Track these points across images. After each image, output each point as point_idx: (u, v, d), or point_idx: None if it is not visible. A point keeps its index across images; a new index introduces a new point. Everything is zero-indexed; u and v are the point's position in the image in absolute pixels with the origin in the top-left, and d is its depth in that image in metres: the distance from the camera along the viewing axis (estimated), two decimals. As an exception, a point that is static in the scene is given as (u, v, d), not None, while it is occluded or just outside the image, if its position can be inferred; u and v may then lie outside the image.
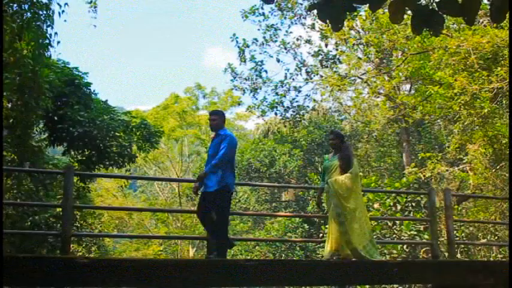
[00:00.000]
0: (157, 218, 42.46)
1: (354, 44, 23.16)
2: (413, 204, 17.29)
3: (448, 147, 20.42)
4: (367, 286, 16.57)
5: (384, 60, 23.93)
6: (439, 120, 23.87)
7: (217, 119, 8.92)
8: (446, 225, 10.89)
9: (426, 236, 15.80)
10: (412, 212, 16.95)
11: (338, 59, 23.77)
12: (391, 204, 17.01)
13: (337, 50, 23.49)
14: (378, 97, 24.47)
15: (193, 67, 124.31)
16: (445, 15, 4.53)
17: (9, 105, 12.53)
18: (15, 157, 13.39)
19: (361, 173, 9.32)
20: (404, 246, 16.57)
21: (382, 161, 28.07)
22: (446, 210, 10.93)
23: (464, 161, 19.65)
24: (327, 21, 4.54)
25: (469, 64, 17.09)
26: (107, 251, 28.82)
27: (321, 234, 19.87)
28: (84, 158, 17.15)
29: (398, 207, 17.03)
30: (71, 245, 11.24)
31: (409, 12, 4.59)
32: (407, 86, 25.47)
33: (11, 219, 13.12)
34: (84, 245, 19.98)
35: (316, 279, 9.62)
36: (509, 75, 14.85)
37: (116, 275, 7.58)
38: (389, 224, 16.99)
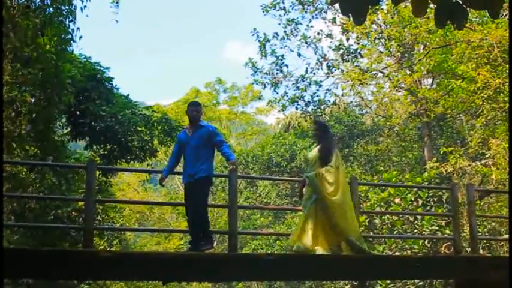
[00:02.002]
0: (178, 212, 42.60)
1: (375, 38, 23.04)
2: (435, 199, 17.15)
3: (471, 141, 20.24)
4: (388, 281, 16.57)
5: (406, 54, 23.75)
6: (461, 115, 23.64)
7: (200, 110, 9.12)
8: (469, 220, 10.80)
9: (448, 231, 15.68)
10: (433, 207, 16.83)
11: (359, 53, 23.66)
12: (412, 199, 16.91)
13: (358, 44, 23.37)
14: (399, 91, 24.30)
15: (213, 62, 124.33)
16: (468, 9, 4.48)
17: (32, 100, 12.62)
18: (38, 151, 13.49)
19: (343, 165, 8.98)
20: (426, 242, 16.46)
21: (403, 155, 27.86)
22: (469, 205, 10.83)
23: (486, 156, 19.46)
24: (349, 14, 4.52)
25: (493, 58, 16.93)
26: (128, 244, 29.05)
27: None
28: (105, 153, 17.25)
29: (420, 202, 16.92)
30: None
31: (432, 5, 4.54)
32: (429, 80, 25.26)
33: (33, 213, 13.25)
34: (105, 239, 20.12)
35: (336, 274, 9.61)
36: (509, 75, 14.71)
37: (137, 268, 7.63)
38: (411, 219, 16.89)
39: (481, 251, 16.16)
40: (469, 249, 12.99)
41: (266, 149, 31.28)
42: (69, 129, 17.12)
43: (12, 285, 12.31)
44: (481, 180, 21.68)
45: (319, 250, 8.40)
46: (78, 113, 16.58)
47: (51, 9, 12.90)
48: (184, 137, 8.88)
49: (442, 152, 21.51)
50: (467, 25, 16.56)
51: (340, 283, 19.79)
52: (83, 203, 12.84)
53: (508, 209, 18.12)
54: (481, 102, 17.57)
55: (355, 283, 18.28)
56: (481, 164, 19.48)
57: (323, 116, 26.56)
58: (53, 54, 12.71)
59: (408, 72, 22.71)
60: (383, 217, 17.03)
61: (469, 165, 19.64)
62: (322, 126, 9.14)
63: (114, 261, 7.52)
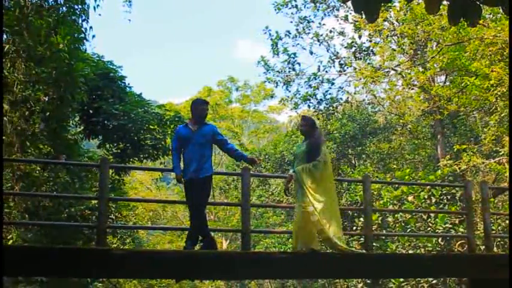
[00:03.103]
0: (190, 211, 42.66)
1: (387, 36, 22.94)
2: (448, 197, 17.09)
3: (484, 139, 20.12)
4: (401, 279, 16.52)
5: (418, 52, 23.64)
6: (474, 112, 23.52)
7: (208, 108, 9.11)
8: (483, 218, 10.75)
9: (461, 230, 15.61)
10: (447, 205, 16.77)
11: (372, 50, 23.56)
12: (426, 197, 16.85)
13: (370, 41, 23.28)
14: (412, 89, 24.20)
15: (225, 60, 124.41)
16: (482, 5, 4.45)
17: (46, 99, 12.69)
18: (51, 150, 13.57)
19: (331, 161, 8.88)
20: (439, 240, 16.40)
21: (416, 153, 27.73)
22: (482, 203, 10.79)
23: (500, 153, 19.34)
24: (362, 12, 4.49)
25: (506, 55, 16.83)
26: (140, 243, 29.13)
27: (354, 227, 19.78)
28: (118, 151, 17.31)
29: (433, 200, 16.86)
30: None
31: (445, 2, 4.52)
32: (442, 78, 25.13)
33: (47, 211, 13.32)
34: (118, 237, 20.19)
35: (349, 273, 9.58)
36: (509, 75, 14.61)
37: (151, 266, 7.65)
38: (424, 217, 16.83)
39: (495, 249, 16.08)
40: (483, 247, 12.92)
41: (278, 147, 31.23)
42: (82, 127, 17.21)
43: (26, 283, 12.40)
44: (495, 178, 21.57)
45: (315, 246, 8.33)
46: (91, 111, 16.66)
47: (64, 8, 13.00)
48: (187, 133, 8.73)
49: (455, 150, 21.42)
50: (480, 22, 16.47)
51: (353, 281, 19.75)
52: (95, 201, 12.91)
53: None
54: (494, 100, 17.47)
55: (368, 281, 18.24)
56: (494, 162, 19.37)
57: (335, 114, 26.51)
58: (66, 53, 12.79)
59: (421, 69, 22.62)
60: (396, 215, 16.98)
61: (483, 162, 19.53)
62: (310, 122, 9.01)
63: (128, 260, 7.55)
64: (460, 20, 4.53)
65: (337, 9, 24.21)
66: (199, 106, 8.89)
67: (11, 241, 11.73)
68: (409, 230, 16.51)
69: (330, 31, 24.34)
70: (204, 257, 8.09)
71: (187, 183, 8.59)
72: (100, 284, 20.65)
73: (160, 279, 26.26)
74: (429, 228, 16.51)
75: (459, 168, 19.54)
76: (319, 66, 24.52)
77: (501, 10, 4.67)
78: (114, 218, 17.44)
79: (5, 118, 11.91)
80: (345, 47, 24.01)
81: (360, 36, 23.30)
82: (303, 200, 8.35)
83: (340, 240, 8.42)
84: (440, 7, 4.60)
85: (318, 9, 24.18)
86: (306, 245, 8.27)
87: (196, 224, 8.59)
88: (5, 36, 12.65)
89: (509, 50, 14.24)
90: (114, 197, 15.05)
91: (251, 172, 9.55)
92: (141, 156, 17.49)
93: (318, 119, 27.37)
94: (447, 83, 23.81)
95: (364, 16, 4.61)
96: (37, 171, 13.18)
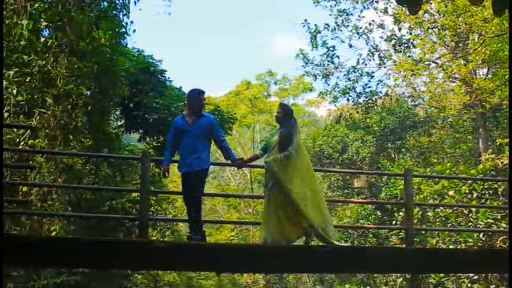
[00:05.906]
0: (229, 204, 42.91)
1: (428, 28, 22.64)
2: (490, 191, 16.82)
3: (528, 133, 19.74)
4: (442, 274, 16.34)
5: (460, 44, 23.31)
6: (517, 105, 23.07)
7: (204, 99, 8.83)
8: (526, 213, 10.56)
9: (503, 225, 15.37)
10: (488, 200, 16.51)
11: (412, 43, 23.29)
12: (467, 191, 16.62)
13: (410, 34, 23.02)
14: (453, 82, 23.87)
15: (263, 54, 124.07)
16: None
17: (88, 93, 12.88)
18: (93, 143, 13.76)
19: (305, 151, 8.65)
20: (481, 235, 16.18)
21: (457, 147, 27.41)
22: (526, 198, 10.59)
23: (544, 148, 18.99)
24: (404, 4, 4.46)
25: (551, 46, 16.46)
26: (180, 235, 29.37)
27: (393, 221, 19.63)
28: (158, 144, 17.48)
29: (475, 194, 16.62)
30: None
31: (490, -7, 4.45)
32: (485, 70, 24.73)
33: (89, 204, 13.52)
34: (158, 230, 20.40)
35: (389, 267, 9.52)
36: (510, 75, 14.25)
37: (193, 259, 7.71)
38: (465, 211, 16.62)
39: (538, 245, 15.79)
40: (526, 243, 12.70)
41: (317, 141, 31.08)
42: (123, 121, 17.43)
43: (68, 273, 12.60)
44: (539, 172, 21.15)
45: (290, 239, 8.18)
46: (131, 105, 16.86)
47: (105, 3, 13.19)
48: (183, 125, 8.50)
49: (497, 144, 21.08)
50: (524, 13, 16.13)
51: (393, 276, 19.63)
52: (136, 194, 13.06)
53: None
54: (538, 92, 17.12)
55: (408, 276, 18.10)
56: (538, 156, 19.01)
57: (375, 107, 26.33)
58: (108, 47, 12.96)
59: (463, 62, 22.30)
60: (436, 210, 16.80)
61: (526, 157, 19.18)
62: (286, 110, 8.73)
63: (171, 252, 7.61)
64: (505, 11, 4.46)
65: (377, 2, 24.01)
66: (197, 97, 8.64)
67: (54, 233, 11.95)
68: (449, 225, 16.32)
69: (369, 24, 24.18)
70: (243, 250, 8.12)
71: (183, 176, 8.47)
72: (140, 276, 20.92)
73: (201, 271, 26.42)
74: (470, 223, 16.29)
75: (501, 162, 19.21)
76: (358, 59, 24.40)
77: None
78: (154, 210, 17.61)
79: (48, 112, 12.13)
80: (385, 40, 23.83)
81: (399, 29, 23.09)
82: (277, 190, 8.14)
83: (325, 231, 8.21)
84: (484, -2, 4.53)
85: (357, 2, 24.02)
86: (272, 236, 8.10)
87: (198, 217, 8.63)
88: (48, 31, 12.91)
89: (509, 50, 13.90)
90: (154, 190, 15.20)
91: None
92: (181, 149, 17.63)
93: (357, 112, 27.27)
94: (489, 76, 23.41)
95: (406, 8, 4.57)
96: (79, 164, 13.37)
